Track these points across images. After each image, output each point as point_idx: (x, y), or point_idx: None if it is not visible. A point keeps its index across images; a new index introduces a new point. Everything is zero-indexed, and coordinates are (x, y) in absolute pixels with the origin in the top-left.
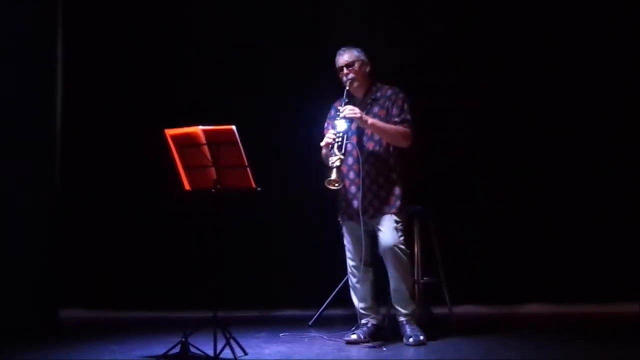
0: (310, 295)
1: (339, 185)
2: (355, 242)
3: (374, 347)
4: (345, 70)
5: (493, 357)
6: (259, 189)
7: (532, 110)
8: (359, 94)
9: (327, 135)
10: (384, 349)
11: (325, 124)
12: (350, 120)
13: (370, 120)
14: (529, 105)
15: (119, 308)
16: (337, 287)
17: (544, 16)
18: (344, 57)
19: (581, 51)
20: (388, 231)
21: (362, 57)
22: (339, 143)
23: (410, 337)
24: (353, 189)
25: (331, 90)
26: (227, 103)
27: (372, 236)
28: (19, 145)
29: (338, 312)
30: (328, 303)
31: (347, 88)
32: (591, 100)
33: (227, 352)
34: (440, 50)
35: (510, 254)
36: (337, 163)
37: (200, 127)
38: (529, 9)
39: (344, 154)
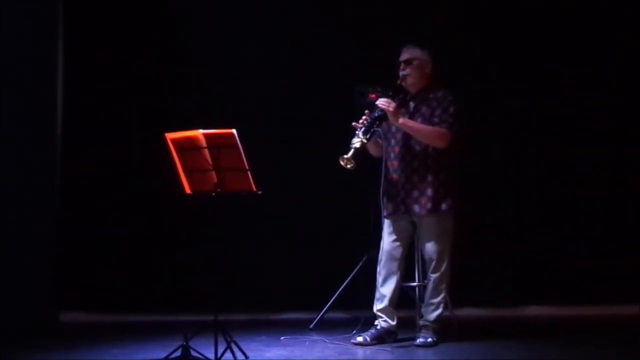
0: (311, 299)
1: (351, 166)
2: (386, 240)
3: (381, 349)
4: (402, 66)
5: None
6: (259, 192)
7: (532, 111)
8: (413, 91)
9: (363, 116)
10: (389, 349)
11: None
12: (384, 112)
13: (401, 119)
14: (529, 107)
15: (120, 311)
16: (338, 290)
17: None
18: (405, 54)
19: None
20: (422, 234)
21: (424, 57)
22: (366, 127)
23: (419, 337)
24: (391, 185)
25: (334, 92)
26: (228, 106)
27: (410, 236)
28: (19, 147)
29: (339, 315)
30: (329, 306)
31: (399, 82)
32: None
33: (228, 356)
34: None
35: (511, 256)
36: (357, 145)
37: (201, 131)
38: None
39: (367, 139)
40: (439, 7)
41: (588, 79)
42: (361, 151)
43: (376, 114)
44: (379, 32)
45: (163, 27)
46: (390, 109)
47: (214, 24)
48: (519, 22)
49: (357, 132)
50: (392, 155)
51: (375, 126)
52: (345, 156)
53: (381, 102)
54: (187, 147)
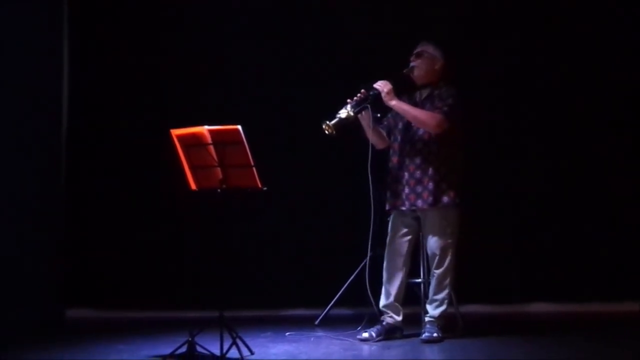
0: (316, 295)
1: (329, 132)
2: (391, 236)
3: (386, 345)
4: (413, 57)
5: (499, 357)
6: (264, 188)
7: (537, 107)
8: (419, 83)
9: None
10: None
11: (387, 117)
12: (377, 92)
13: (394, 101)
14: (533, 103)
15: (125, 308)
16: (343, 286)
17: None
18: (418, 47)
19: None
20: (426, 229)
21: (435, 54)
22: (357, 102)
23: (425, 333)
24: (395, 180)
25: (339, 89)
26: (233, 102)
27: (415, 232)
28: (25, 145)
29: (344, 311)
30: (334, 302)
31: (405, 71)
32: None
33: (233, 352)
34: None
35: (515, 253)
36: (342, 115)
37: (206, 127)
38: None
39: (354, 112)
40: (447, 8)
41: (590, 79)
42: (345, 122)
43: (370, 93)
44: (386, 32)
45: (167, 24)
46: (385, 89)
47: (216, 21)
48: (527, 20)
49: (349, 104)
50: (397, 151)
51: (366, 103)
52: (329, 122)
53: (378, 83)
54: (193, 144)
